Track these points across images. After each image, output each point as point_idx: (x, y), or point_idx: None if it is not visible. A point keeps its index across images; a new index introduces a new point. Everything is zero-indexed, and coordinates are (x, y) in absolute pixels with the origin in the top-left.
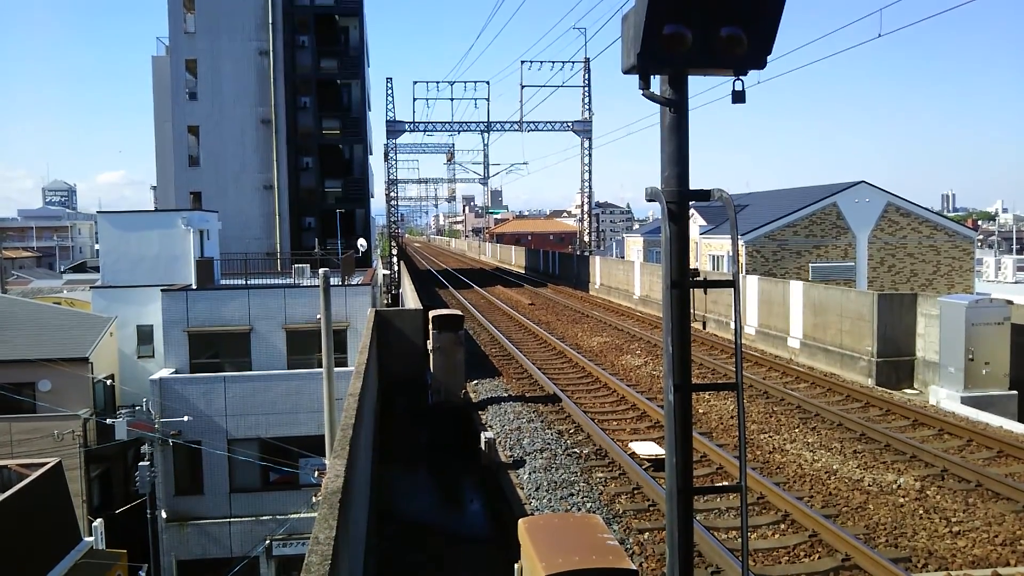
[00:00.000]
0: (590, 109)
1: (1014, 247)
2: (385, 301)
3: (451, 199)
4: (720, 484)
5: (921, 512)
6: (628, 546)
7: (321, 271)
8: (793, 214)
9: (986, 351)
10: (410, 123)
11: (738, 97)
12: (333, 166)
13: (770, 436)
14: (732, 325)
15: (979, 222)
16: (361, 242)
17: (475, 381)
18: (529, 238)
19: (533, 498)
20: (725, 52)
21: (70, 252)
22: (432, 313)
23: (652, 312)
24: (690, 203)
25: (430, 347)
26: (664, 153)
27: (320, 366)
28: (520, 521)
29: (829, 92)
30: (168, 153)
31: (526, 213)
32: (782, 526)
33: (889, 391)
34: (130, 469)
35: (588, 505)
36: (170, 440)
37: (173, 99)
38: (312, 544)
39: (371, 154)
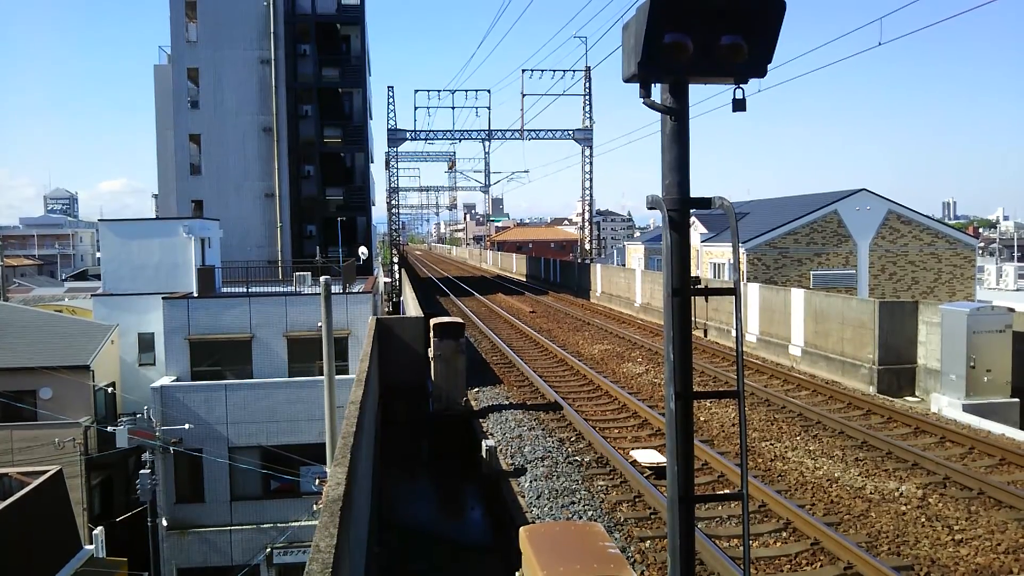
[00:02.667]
0: (591, 117)
1: (1015, 255)
2: (386, 309)
3: (452, 207)
4: (722, 492)
5: (923, 520)
6: (629, 554)
7: (322, 279)
8: (794, 222)
9: (988, 359)
10: (411, 131)
11: (739, 105)
12: (334, 174)
13: (771, 444)
14: (733, 333)
15: (980, 230)
16: (362, 250)
17: (476, 389)
18: (530, 246)
19: (534, 506)
20: (726, 61)
21: (72, 260)
22: (433, 321)
23: (653, 320)
24: (691, 211)
25: (431, 355)
26: (665, 161)
27: (321, 374)
28: (521, 529)
29: (830, 100)
30: (170, 161)
31: (527, 221)
32: (784, 534)
33: (890, 399)
34: (131, 477)
35: (589, 513)
36: (171, 448)
37: (175, 108)
38: (313, 552)
39: (372, 162)
